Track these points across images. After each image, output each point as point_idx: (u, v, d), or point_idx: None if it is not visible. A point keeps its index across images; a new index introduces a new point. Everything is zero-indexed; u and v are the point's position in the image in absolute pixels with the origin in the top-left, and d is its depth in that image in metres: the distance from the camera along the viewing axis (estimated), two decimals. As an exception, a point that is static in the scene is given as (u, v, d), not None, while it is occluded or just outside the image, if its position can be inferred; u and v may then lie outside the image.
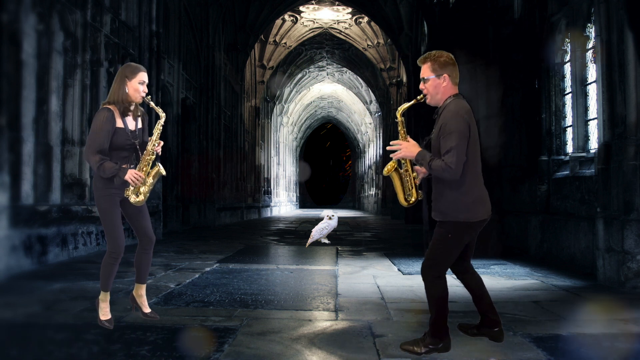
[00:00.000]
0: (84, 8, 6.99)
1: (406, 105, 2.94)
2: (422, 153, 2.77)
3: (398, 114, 2.91)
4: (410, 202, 2.93)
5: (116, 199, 3.19)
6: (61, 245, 6.16)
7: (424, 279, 2.79)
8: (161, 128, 3.28)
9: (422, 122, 11.50)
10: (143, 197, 3.20)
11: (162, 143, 3.28)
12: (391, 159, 2.91)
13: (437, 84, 2.78)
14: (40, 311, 3.62)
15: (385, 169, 2.92)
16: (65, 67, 6.66)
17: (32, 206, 5.74)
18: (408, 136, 2.87)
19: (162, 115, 3.32)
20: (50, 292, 4.29)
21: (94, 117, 3.24)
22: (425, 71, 2.81)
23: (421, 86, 2.84)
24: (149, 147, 3.23)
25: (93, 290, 4.21)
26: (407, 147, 2.82)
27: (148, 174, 3.22)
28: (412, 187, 2.92)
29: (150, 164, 3.25)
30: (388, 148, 2.86)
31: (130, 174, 3.12)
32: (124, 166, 3.15)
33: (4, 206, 5.17)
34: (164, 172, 3.28)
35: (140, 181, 3.17)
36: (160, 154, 3.30)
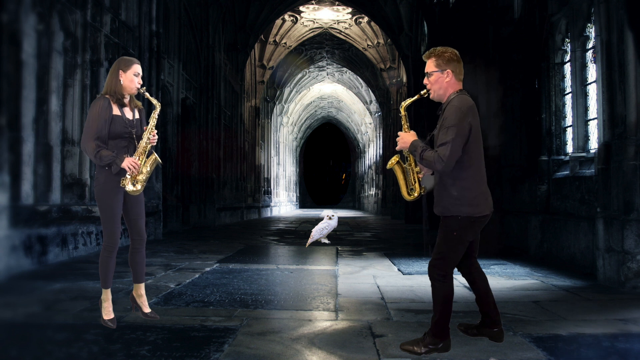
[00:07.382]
0: (84, 8, 6.98)
1: (410, 100, 2.98)
2: (415, 143, 2.78)
3: (402, 109, 2.95)
4: (414, 196, 2.94)
5: (118, 193, 3.19)
6: (61, 245, 6.16)
7: (430, 278, 2.78)
8: (157, 117, 3.29)
9: (422, 122, 11.53)
10: (140, 187, 3.19)
11: (155, 132, 3.28)
12: (395, 154, 2.94)
13: (440, 79, 2.79)
14: (40, 311, 3.62)
15: (389, 162, 2.93)
16: (65, 67, 6.66)
17: (32, 206, 5.74)
18: (412, 131, 2.88)
19: (158, 105, 3.35)
20: (50, 292, 4.29)
21: (90, 107, 3.26)
22: (430, 66, 2.83)
23: (425, 81, 2.86)
24: (145, 135, 3.24)
25: (93, 290, 4.22)
26: (402, 137, 2.84)
27: (144, 163, 3.22)
28: (416, 182, 2.93)
29: (147, 153, 3.25)
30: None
31: (128, 161, 3.13)
32: (123, 156, 3.16)
33: (4, 206, 5.17)
34: (160, 161, 3.29)
35: (137, 169, 3.16)
36: (155, 144, 3.30)
